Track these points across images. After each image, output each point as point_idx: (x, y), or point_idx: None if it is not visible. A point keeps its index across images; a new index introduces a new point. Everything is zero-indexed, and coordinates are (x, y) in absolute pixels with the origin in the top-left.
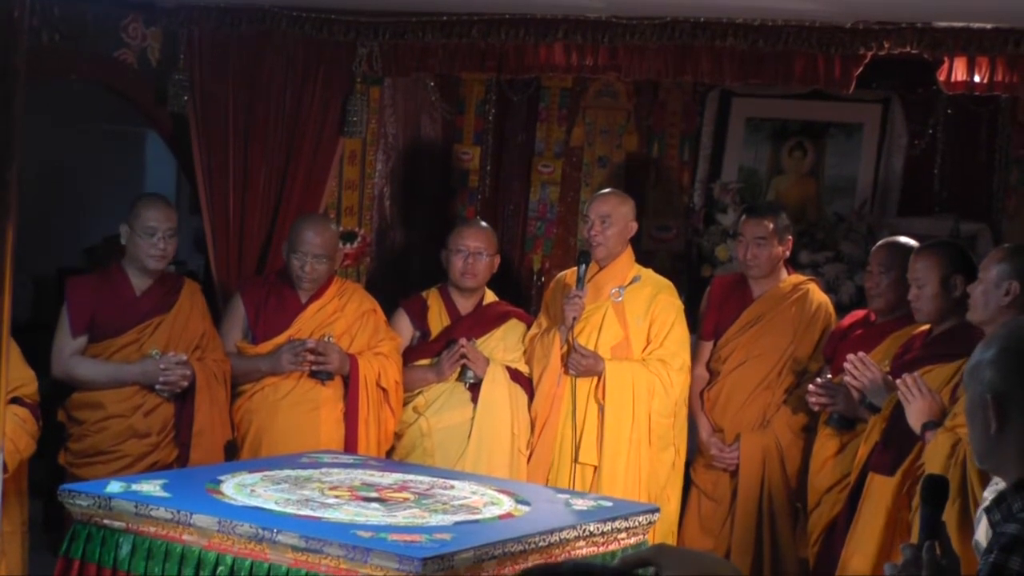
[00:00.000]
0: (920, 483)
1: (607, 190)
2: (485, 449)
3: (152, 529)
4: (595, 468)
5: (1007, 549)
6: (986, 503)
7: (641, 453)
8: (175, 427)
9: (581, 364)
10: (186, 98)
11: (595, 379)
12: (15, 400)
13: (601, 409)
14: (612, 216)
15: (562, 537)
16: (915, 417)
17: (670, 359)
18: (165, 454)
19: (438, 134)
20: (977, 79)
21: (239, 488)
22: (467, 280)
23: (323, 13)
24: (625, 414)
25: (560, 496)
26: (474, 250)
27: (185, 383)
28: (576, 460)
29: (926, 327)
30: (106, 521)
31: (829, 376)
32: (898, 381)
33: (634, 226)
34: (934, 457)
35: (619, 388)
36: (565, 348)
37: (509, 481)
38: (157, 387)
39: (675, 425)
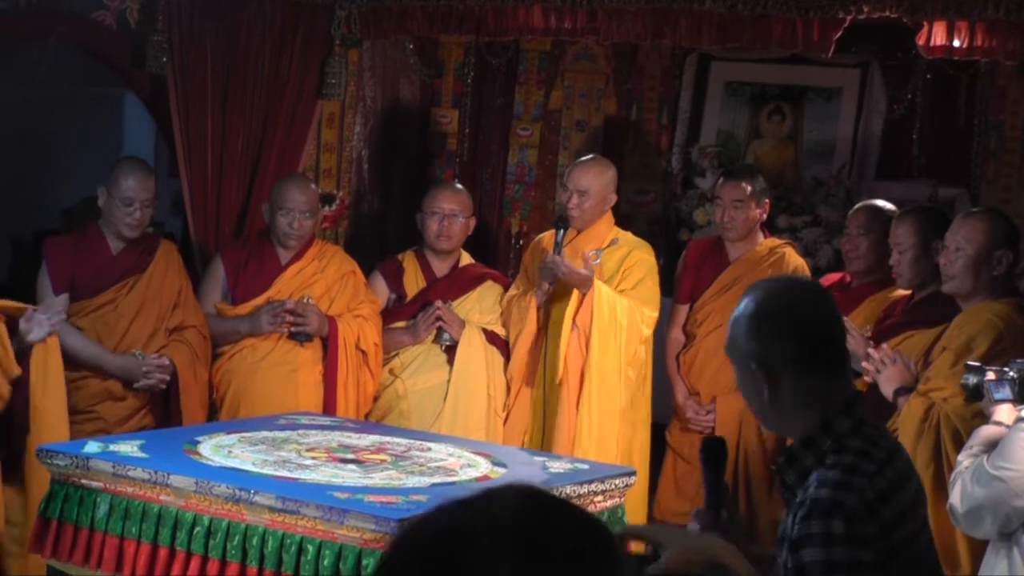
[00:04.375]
0: (700, 446)
1: (588, 157)
2: (461, 411)
3: (129, 489)
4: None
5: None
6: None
7: (620, 381)
8: (152, 401)
9: (573, 274)
10: (165, 60)
11: (576, 301)
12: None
13: (575, 330)
14: (590, 190)
15: None
16: (887, 384)
17: (646, 305)
18: (144, 422)
19: (416, 97)
20: (956, 44)
21: (216, 449)
22: (442, 242)
23: None
24: (609, 337)
25: (537, 459)
26: (449, 212)
27: (163, 386)
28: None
29: (907, 292)
30: (83, 481)
31: None
32: (864, 364)
33: (613, 198)
34: (907, 422)
35: (607, 308)
36: (544, 298)
37: (486, 443)
38: (136, 385)
39: (643, 390)
